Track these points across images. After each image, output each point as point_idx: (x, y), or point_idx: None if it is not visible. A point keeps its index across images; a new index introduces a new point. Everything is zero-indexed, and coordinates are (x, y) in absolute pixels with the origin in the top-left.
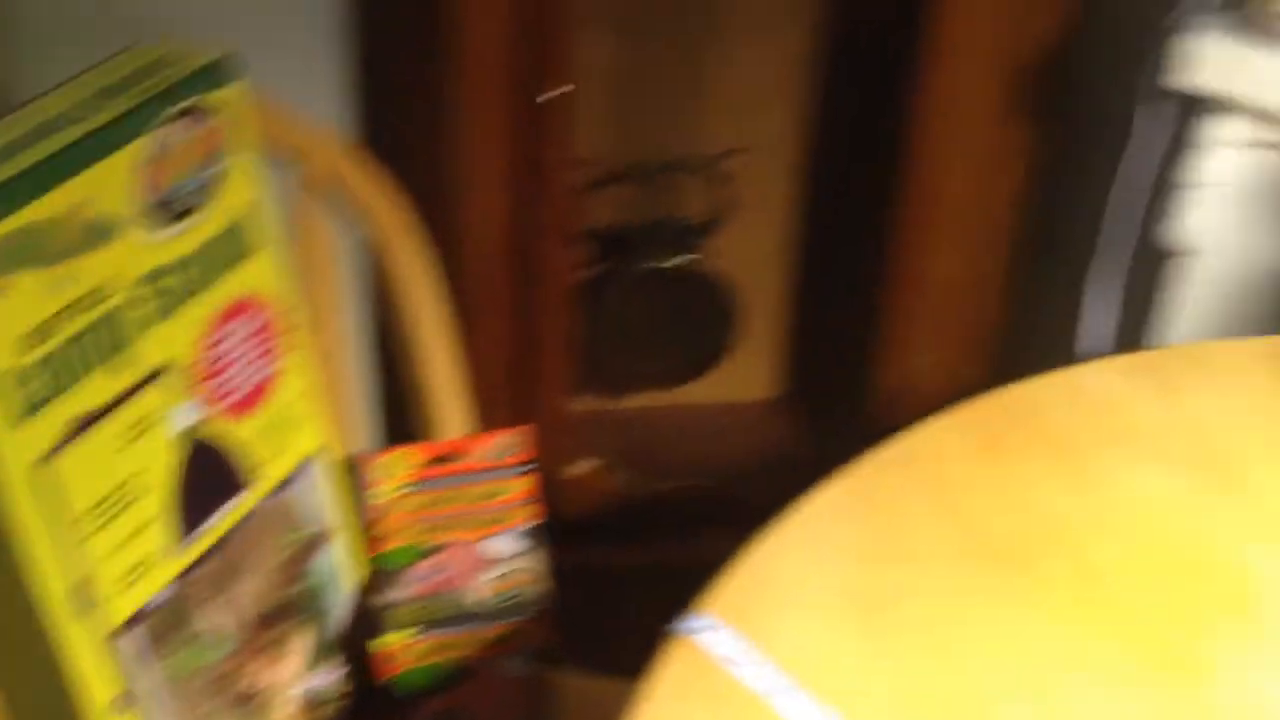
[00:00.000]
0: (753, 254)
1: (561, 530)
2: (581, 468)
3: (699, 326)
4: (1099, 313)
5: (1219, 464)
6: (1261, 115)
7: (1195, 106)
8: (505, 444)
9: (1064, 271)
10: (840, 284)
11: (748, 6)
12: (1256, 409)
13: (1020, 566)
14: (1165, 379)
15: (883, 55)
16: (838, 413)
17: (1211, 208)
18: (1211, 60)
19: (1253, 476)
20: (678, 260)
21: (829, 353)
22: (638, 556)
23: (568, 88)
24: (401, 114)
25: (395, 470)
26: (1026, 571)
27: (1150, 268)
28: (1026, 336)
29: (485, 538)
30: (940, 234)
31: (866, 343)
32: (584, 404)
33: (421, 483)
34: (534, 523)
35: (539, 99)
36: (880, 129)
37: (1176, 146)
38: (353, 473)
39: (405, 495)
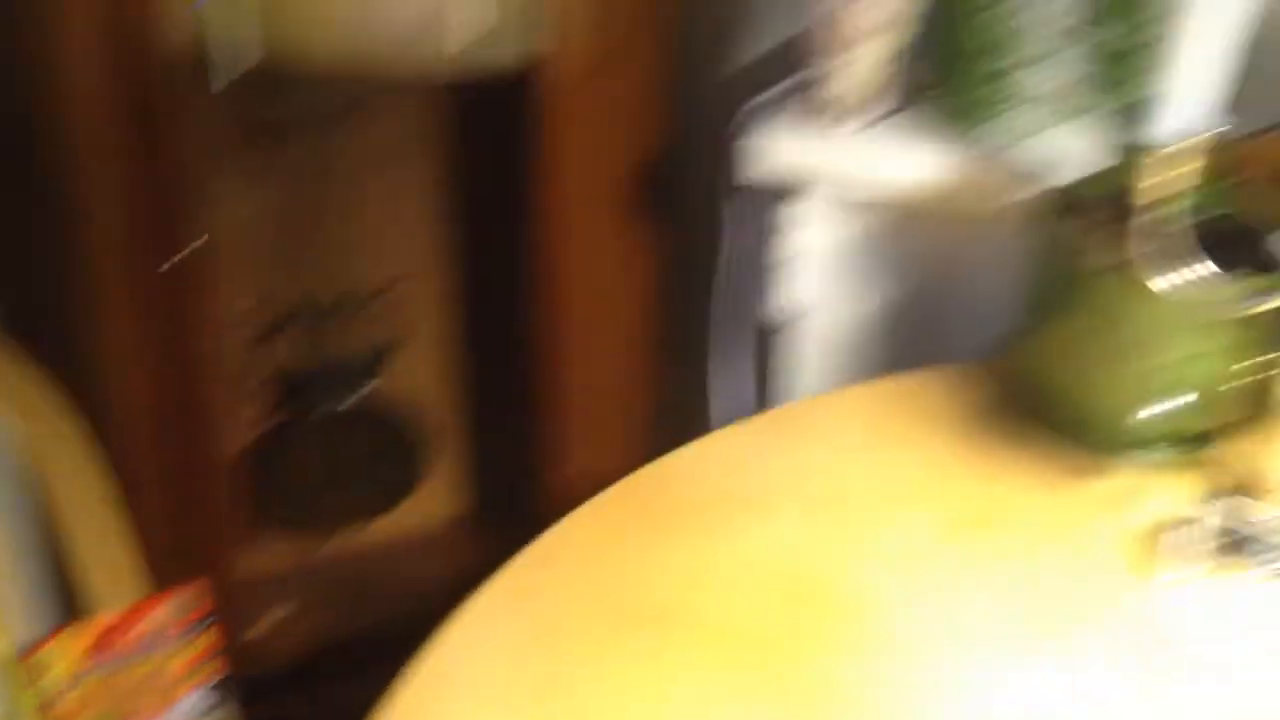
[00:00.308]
0: (429, 379)
1: (256, 684)
2: (275, 617)
3: (387, 459)
4: (730, 385)
5: (829, 504)
6: (832, 191)
7: (778, 189)
8: (178, 606)
9: (700, 354)
10: (504, 397)
11: (371, 141)
12: (857, 450)
13: (668, 626)
14: (782, 436)
15: (505, 175)
16: (517, 524)
17: (809, 276)
18: (784, 147)
19: (858, 510)
20: (357, 396)
21: (504, 467)
22: (335, 700)
23: (199, 242)
24: (38, 295)
25: (66, 653)
26: (674, 629)
27: (768, 337)
28: (679, 418)
29: (172, 703)
30: (579, 339)
31: (533, 453)
32: (275, 553)
33: (97, 660)
34: (219, 680)
35: (164, 266)
36: (514, 247)
37: (770, 226)
38: (21, 663)
39: (81, 676)
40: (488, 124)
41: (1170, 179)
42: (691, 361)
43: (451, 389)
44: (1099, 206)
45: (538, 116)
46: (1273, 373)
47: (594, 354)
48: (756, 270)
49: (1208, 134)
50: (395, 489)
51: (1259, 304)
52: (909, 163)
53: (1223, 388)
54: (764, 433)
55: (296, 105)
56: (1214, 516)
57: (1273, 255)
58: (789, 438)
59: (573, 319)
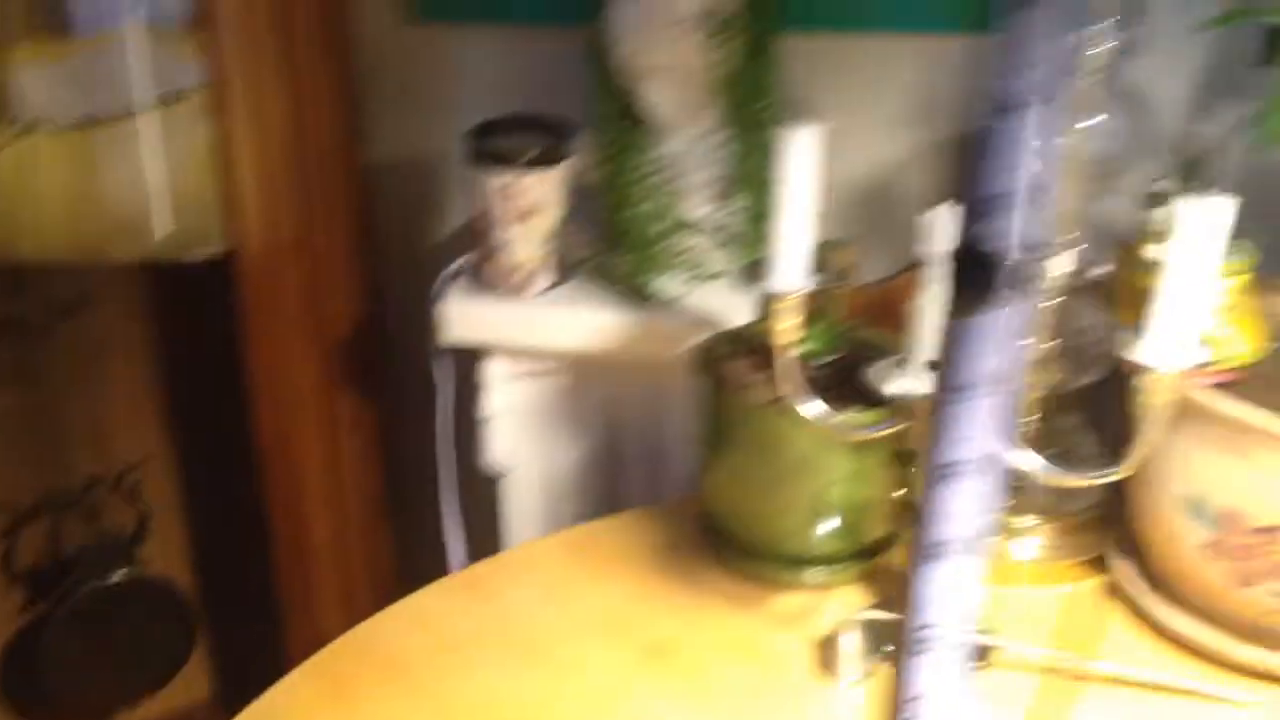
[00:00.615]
0: (179, 558)
1: None
2: None
3: (148, 640)
4: (452, 538)
5: (532, 648)
6: (522, 351)
7: (473, 354)
8: None
9: (431, 507)
10: (248, 570)
11: (96, 332)
12: (558, 593)
13: None
14: (487, 586)
15: (223, 354)
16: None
17: (509, 432)
18: (469, 315)
19: (559, 651)
20: (111, 581)
21: (254, 640)
22: None
23: None
24: None
25: None
26: None
27: (481, 489)
28: (419, 570)
29: None
30: (309, 505)
31: (278, 620)
32: None
33: None
34: None
35: None
36: (240, 423)
37: (475, 385)
38: None
39: None
40: (202, 307)
41: (798, 323)
42: (423, 515)
43: (200, 566)
44: (752, 349)
45: (244, 297)
46: (908, 489)
47: (325, 517)
48: (469, 426)
49: (829, 283)
50: (159, 669)
51: (878, 431)
52: (587, 320)
53: (873, 505)
54: (470, 584)
55: (19, 303)
56: (881, 620)
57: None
58: (494, 586)
59: (302, 486)
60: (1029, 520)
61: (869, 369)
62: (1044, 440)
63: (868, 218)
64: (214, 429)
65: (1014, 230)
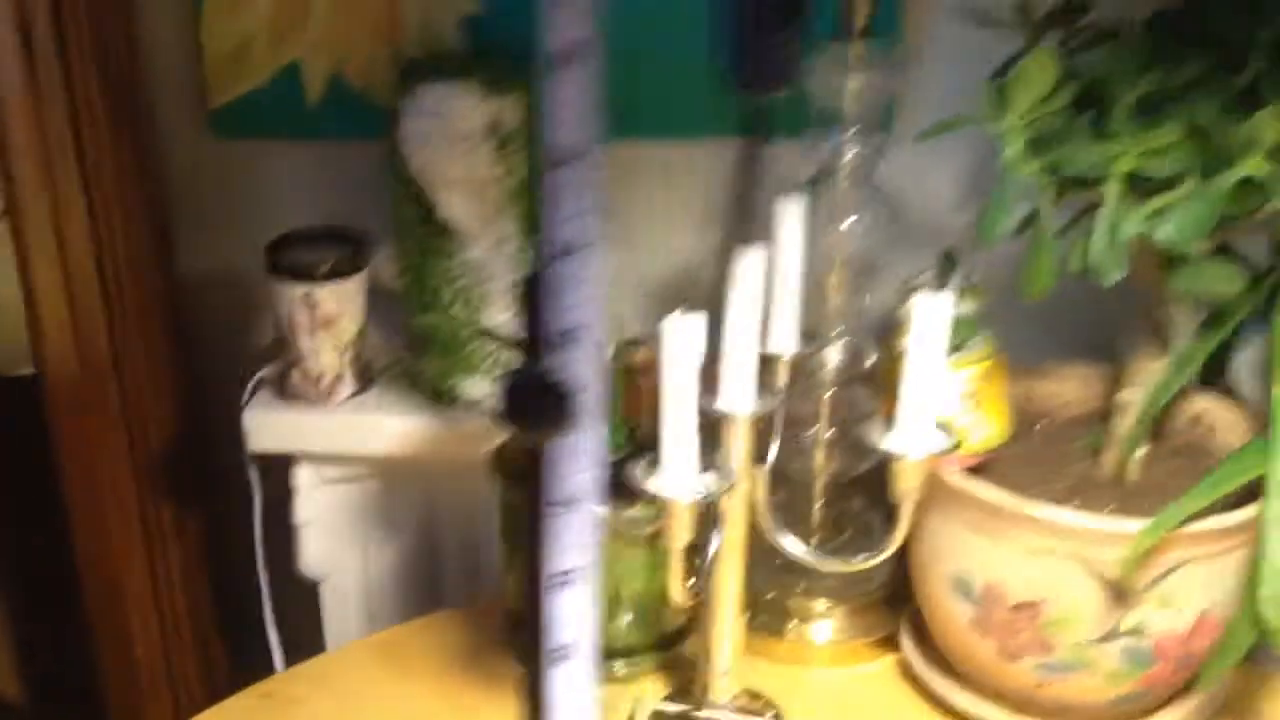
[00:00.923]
0: (6, 675)
1: None
2: None
3: None
4: (274, 647)
5: None
6: (326, 460)
7: (287, 458)
8: None
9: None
10: (73, 686)
11: None
12: (360, 700)
13: None
14: (286, 696)
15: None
16: None
17: (323, 538)
18: (275, 424)
19: None
20: None
21: None
22: None
23: None
24: None
25: None
26: None
27: (303, 598)
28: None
29: None
30: (130, 619)
31: None
32: None
33: None
34: None
35: None
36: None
37: (288, 492)
38: None
39: None
40: (16, 424)
41: None
42: (252, 624)
43: (28, 685)
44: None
45: (56, 414)
46: (695, 580)
47: (151, 631)
48: (283, 532)
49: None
50: None
51: (654, 526)
52: (393, 425)
53: (667, 596)
54: (269, 694)
55: None
56: (676, 711)
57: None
58: (294, 695)
59: (124, 601)
60: (821, 604)
61: (633, 466)
62: (836, 524)
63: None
64: (31, 547)
65: (578, 362)
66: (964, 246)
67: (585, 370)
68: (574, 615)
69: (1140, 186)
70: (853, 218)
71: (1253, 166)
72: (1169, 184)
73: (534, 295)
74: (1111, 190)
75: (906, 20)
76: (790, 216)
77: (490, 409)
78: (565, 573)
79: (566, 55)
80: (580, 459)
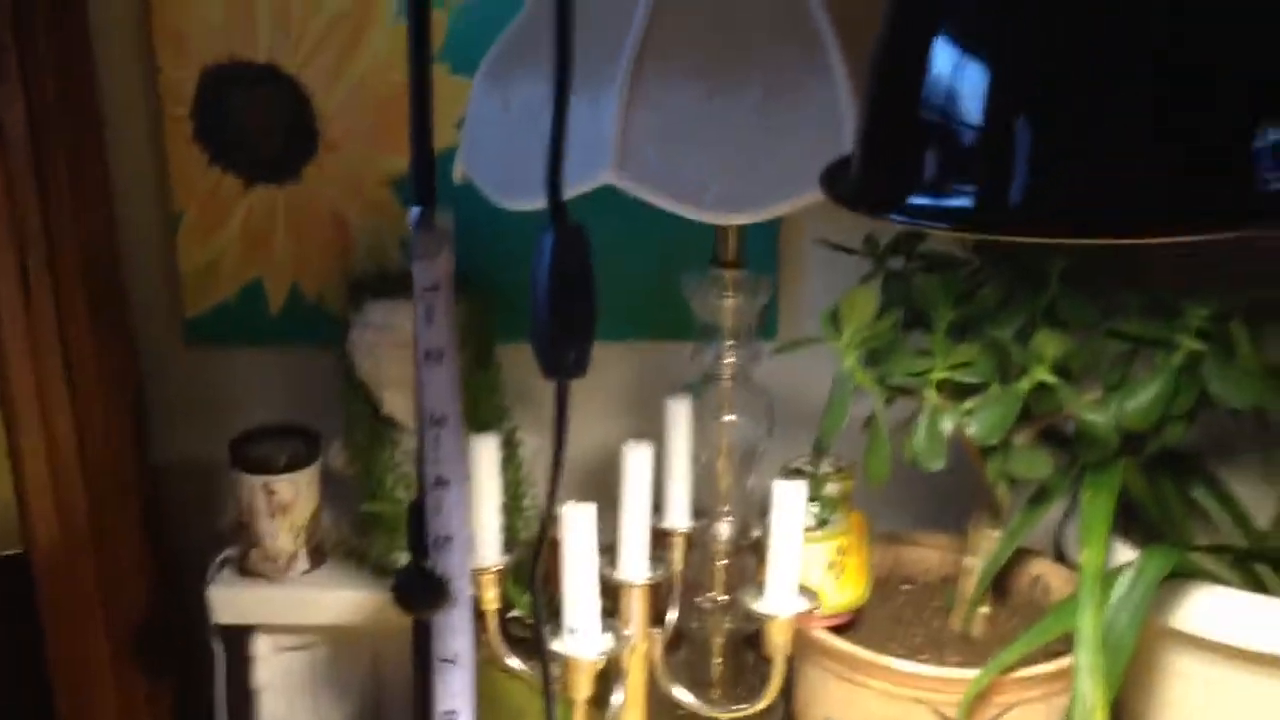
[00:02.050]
0: None
1: None
2: None
3: None
4: None
5: None
6: (283, 630)
7: (243, 631)
8: None
9: None
10: None
11: None
12: None
13: None
14: None
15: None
16: None
17: (280, 703)
18: (236, 599)
19: None
20: None
21: None
22: None
23: None
24: None
25: None
26: None
27: None
28: None
29: None
30: None
31: None
32: None
33: None
34: None
35: None
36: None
37: (245, 661)
38: None
39: None
40: (4, 601)
41: (497, 591)
42: None
43: None
44: (477, 613)
45: (41, 590)
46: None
47: None
48: (243, 696)
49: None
50: None
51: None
52: (343, 598)
53: None
54: None
55: None
56: None
57: None
58: None
59: None
60: None
61: (545, 626)
62: (734, 679)
63: (594, 495)
64: (22, 708)
65: (453, 559)
66: (828, 437)
67: (455, 565)
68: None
69: (956, 391)
70: (732, 415)
71: (1040, 375)
72: (977, 389)
73: (418, 514)
74: (929, 395)
75: (781, 247)
76: (678, 412)
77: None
78: (449, 713)
79: (433, 354)
80: (457, 628)
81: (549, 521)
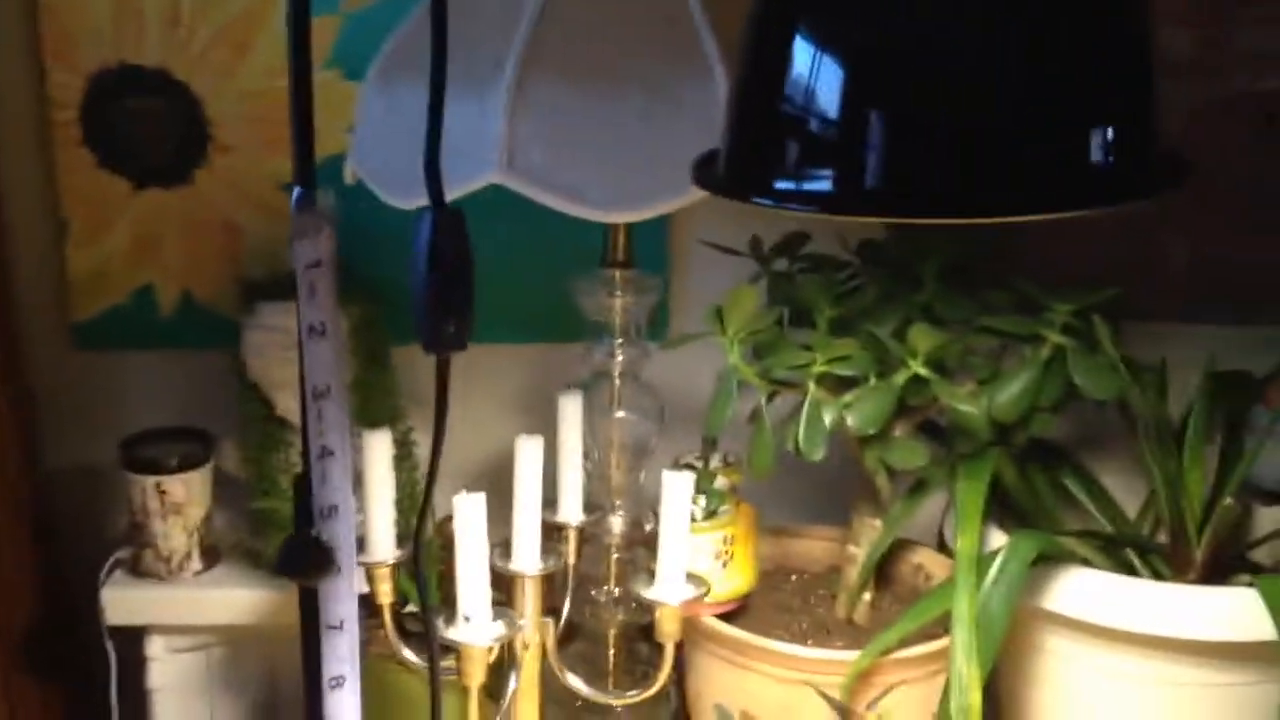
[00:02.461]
0: None
1: None
2: None
3: None
4: None
5: None
6: (177, 631)
7: (137, 632)
8: None
9: None
10: None
11: None
12: None
13: None
14: None
15: None
16: None
17: (174, 703)
18: (129, 600)
19: None
20: None
21: None
22: None
23: None
24: None
25: None
26: None
27: None
28: None
29: None
30: None
31: None
32: None
33: None
34: None
35: None
36: None
37: (141, 661)
38: None
39: None
40: None
41: (390, 585)
42: None
43: None
44: (369, 610)
45: None
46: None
47: None
48: (138, 698)
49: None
50: None
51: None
52: (237, 597)
53: None
54: None
55: None
56: None
57: None
58: None
59: None
60: None
61: (439, 618)
62: (628, 669)
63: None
64: None
65: (339, 529)
66: (714, 434)
67: (340, 535)
68: (346, 710)
69: (836, 385)
70: (623, 412)
71: (915, 368)
72: (856, 383)
73: (304, 484)
74: (810, 389)
75: (671, 249)
76: (569, 408)
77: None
78: (337, 678)
79: (316, 329)
80: (343, 595)
81: (429, 488)
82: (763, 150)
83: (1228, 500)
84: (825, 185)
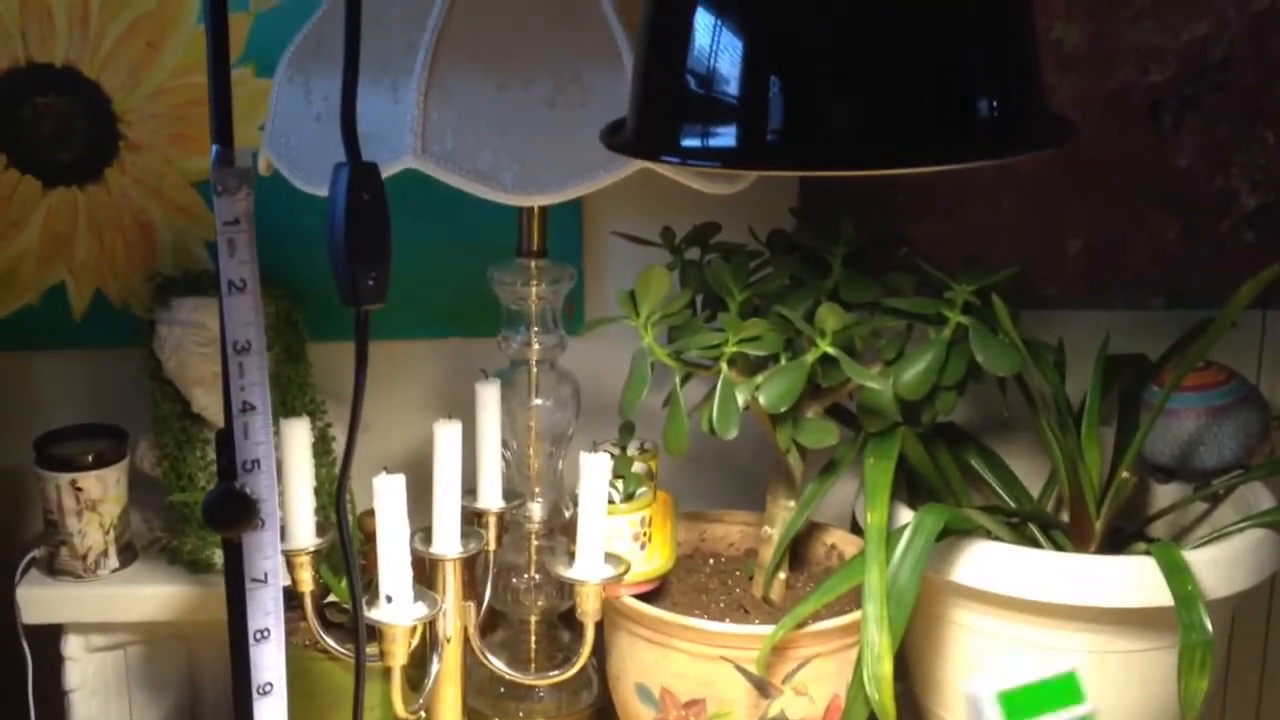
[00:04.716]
0: None
1: None
2: None
3: None
4: None
5: None
6: (94, 629)
7: (53, 632)
8: None
9: None
10: None
11: None
12: None
13: None
14: None
15: None
16: None
17: (92, 702)
18: (45, 599)
19: None
20: None
21: None
22: None
23: None
24: None
25: None
26: None
27: None
28: None
29: None
30: None
31: None
32: None
33: None
34: None
35: None
36: None
37: (58, 660)
38: None
39: None
40: None
41: (312, 574)
42: None
43: None
44: (290, 601)
45: None
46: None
47: None
48: (54, 703)
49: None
50: None
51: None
52: (155, 594)
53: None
54: None
55: None
56: None
57: None
58: None
59: None
60: None
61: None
62: (549, 650)
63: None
64: None
65: (261, 482)
66: (631, 422)
67: (263, 487)
68: (271, 661)
69: (749, 367)
70: (540, 400)
71: (824, 347)
72: (767, 364)
73: (227, 438)
74: (722, 369)
75: (585, 240)
76: (487, 396)
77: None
78: (262, 630)
79: (236, 285)
80: (266, 550)
81: (348, 457)
82: (668, 110)
83: (1124, 474)
84: (729, 141)
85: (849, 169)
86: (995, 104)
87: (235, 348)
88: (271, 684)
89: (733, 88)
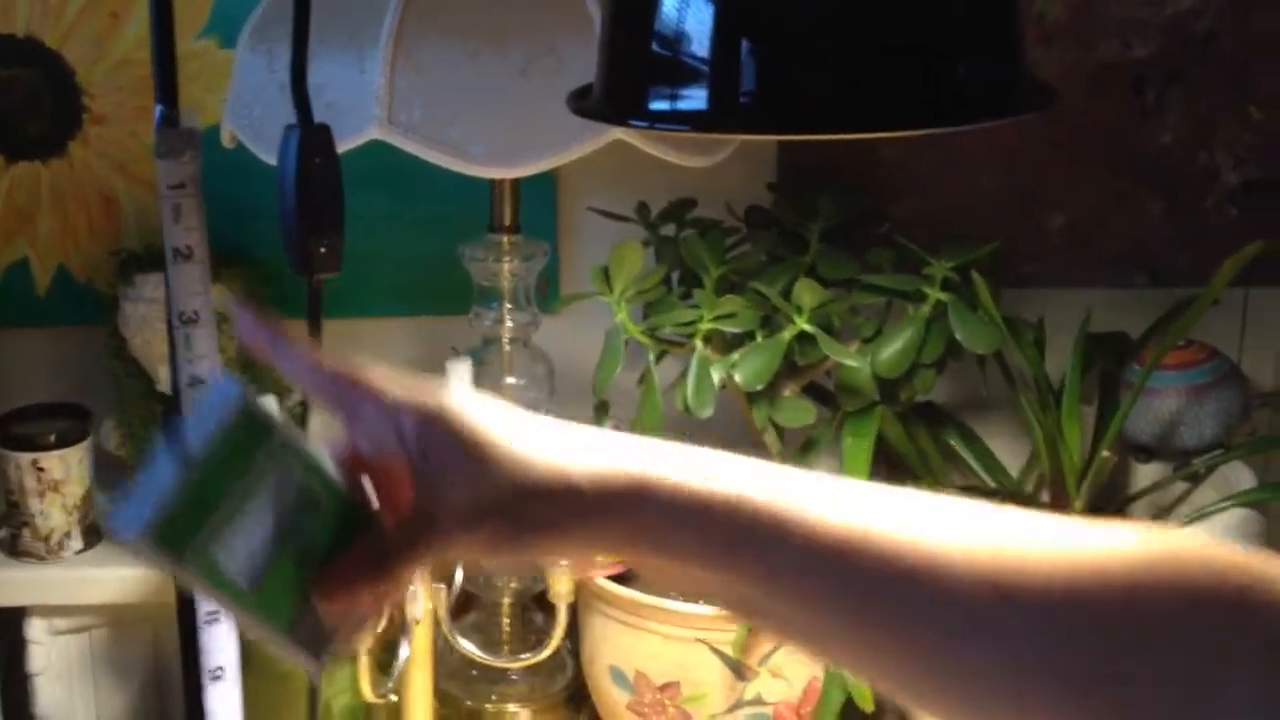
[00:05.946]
0: None
1: None
2: None
3: None
4: None
5: None
6: (58, 612)
7: (17, 614)
8: None
9: None
10: None
11: None
12: None
13: None
14: None
15: None
16: None
17: (57, 685)
18: (6, 581)
19: None
20: None
21: None
22: None
23: None
24: None
25: None
26: None
27: None
28: None
29: None
30: None
31: None
32: None
33: None
34: None
35: None
36: None
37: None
38: None
39: None
40: None
41: None
42: None
43: None
44: None
45: None
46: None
47: None
48: (18, 687)
49: None
50: None
51: None
52: (120, 576)
53: (372, 706)
54: None
55: None
56: None
57: None
58: None
59: None
60: (513, 707)
61: None
62: (521, 634)
63: None
64: None
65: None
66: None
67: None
68: (222, 645)
69: (724, 345)
70: (513, 379)
71: (801, 324)
72: (743, 341)
73: (175, 413)
74: (697, 346)
75: (560, 217)
76: (458, 374)
77: None
78: (213, 612)
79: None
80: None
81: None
82: (636, 74)
83: (1105, 453)
84: (699, 104)
85: (825, 133)
86: (976, 67)
87: (181, 318)
88: (223, 668)
89: (703, 48)
